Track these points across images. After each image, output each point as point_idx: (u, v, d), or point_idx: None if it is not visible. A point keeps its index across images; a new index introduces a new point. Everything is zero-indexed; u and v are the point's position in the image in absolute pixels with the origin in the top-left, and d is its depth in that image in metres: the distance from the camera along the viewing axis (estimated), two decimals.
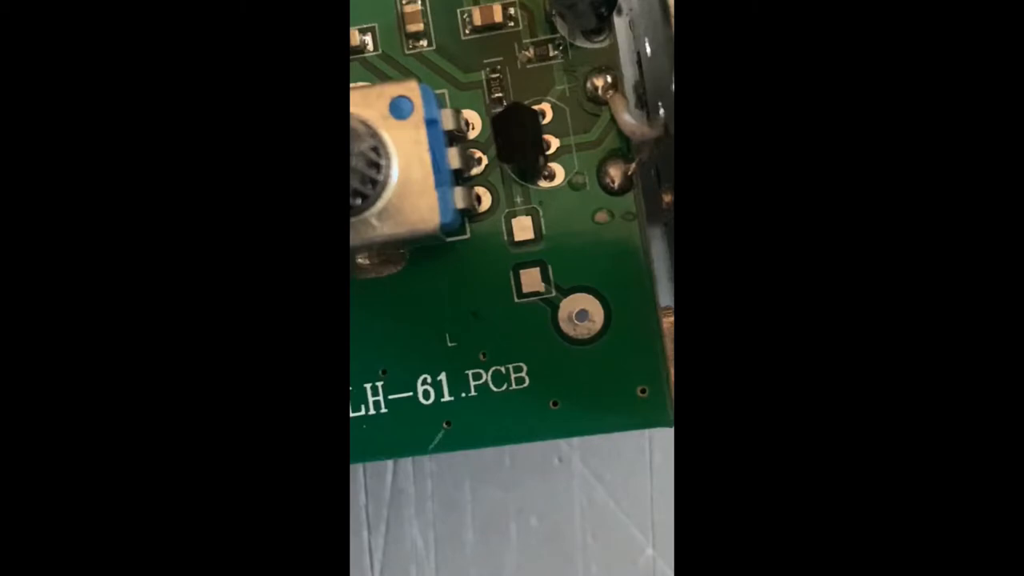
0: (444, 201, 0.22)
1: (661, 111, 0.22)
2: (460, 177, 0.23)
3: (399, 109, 0.21)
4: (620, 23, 0.26)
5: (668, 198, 0.23)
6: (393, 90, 0.21)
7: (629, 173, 0.23)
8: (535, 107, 0.23)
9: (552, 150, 0.23)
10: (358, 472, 0.29)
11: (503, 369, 0.23)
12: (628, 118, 0.22)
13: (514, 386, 0.23)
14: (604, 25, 0.23)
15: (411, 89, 0.21)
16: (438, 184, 0.21)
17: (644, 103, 0.25)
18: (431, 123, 0.22)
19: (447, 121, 0.22)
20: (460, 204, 0.22)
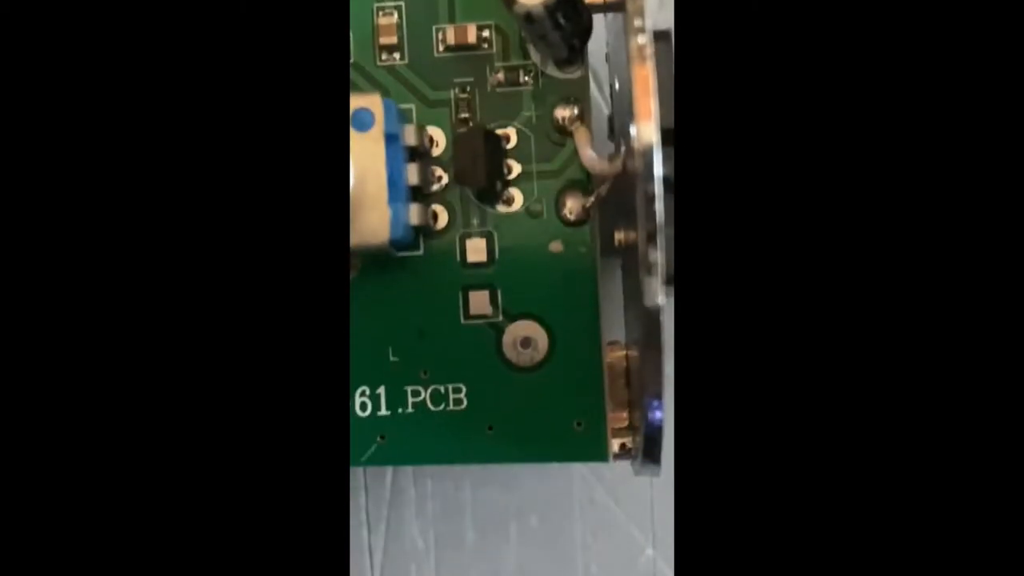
0: (396, 217, 0.22)
1: (623, 149, 0.22)
2: (418, 193, 0.23)
3: (360, 121, 0.21)
4: (597, 55, 0.26)
5: (621, 236, 0.23)
6: (356, 101, 0.21)
7: (587, 206, 0.23)
8: (500, 131, 0.23)
9: (513, 175, 0.23)
10: (358, 472, 0.29)
11: (442, 389, 0.23)
12: (590, 153, 0.22)
13: (452, 407, 0.23)
14: (577, 56, 0.23)
15: (374, 102, 0.21)
16: (392, 200, 0.21)
17: (613, 132, 0.25)
18: (391, 138, 0.22)
19: (410, 137, 0.22)
20: (415, 221, 0.22)
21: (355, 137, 0.21)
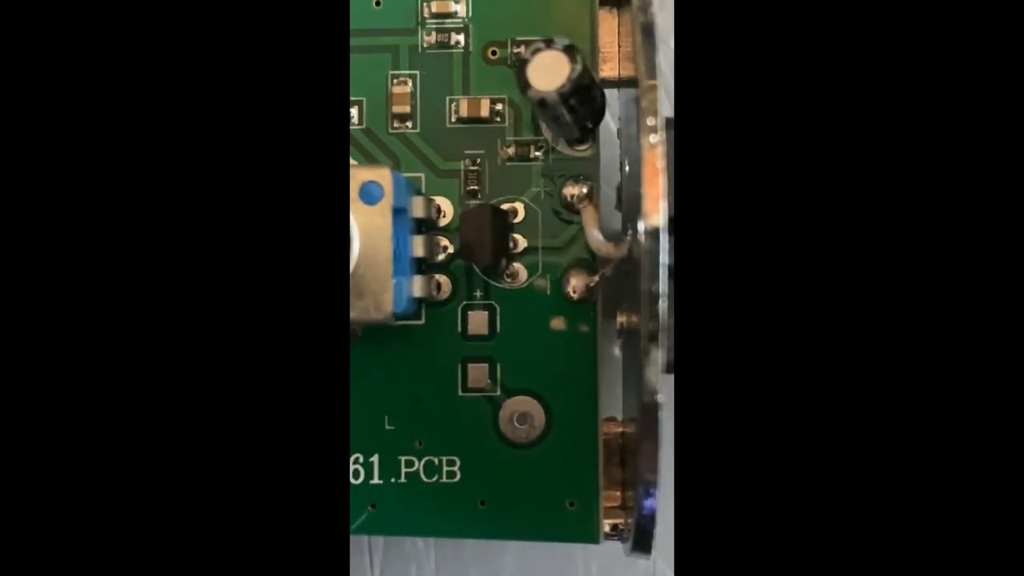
0: (400, 291, 0.22)
1: (630, 234, 0.22)
2: (423, 264, 0.23)
3: (369, 194, 0.21)
4: (610, 130, 0.26)
5: (623, 319, 0.23)
6: (365, 174, 0.21)
7: (591, 285, 0.23)
8: (508, 205, 0.23)
9: (518, 250, 0.23)
10: None
11: (436, 460, 0.23)
12: (597, 234, 0.22)
13: (444, 479, 0.23)
14: (588, 135, 0.23)
15: (383, 176, 0.21)
16: (396, 273, 0.21)
17: (621, 201, 0.25)
18: (399, 212, 0.22)
19: (418, 209, 0.22)
20: (418, 293, 0.22)
21: (363, 210, 0.21)
